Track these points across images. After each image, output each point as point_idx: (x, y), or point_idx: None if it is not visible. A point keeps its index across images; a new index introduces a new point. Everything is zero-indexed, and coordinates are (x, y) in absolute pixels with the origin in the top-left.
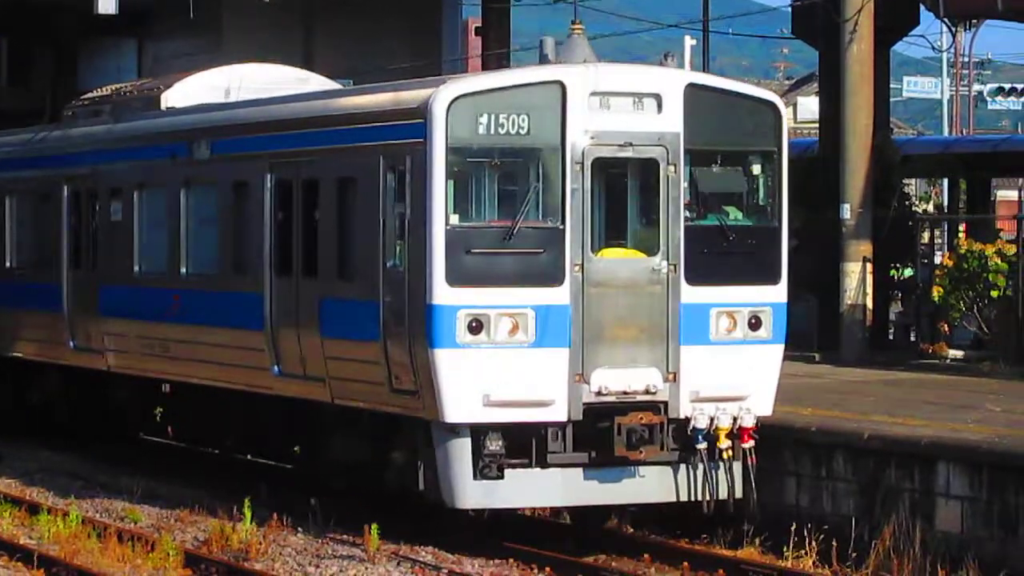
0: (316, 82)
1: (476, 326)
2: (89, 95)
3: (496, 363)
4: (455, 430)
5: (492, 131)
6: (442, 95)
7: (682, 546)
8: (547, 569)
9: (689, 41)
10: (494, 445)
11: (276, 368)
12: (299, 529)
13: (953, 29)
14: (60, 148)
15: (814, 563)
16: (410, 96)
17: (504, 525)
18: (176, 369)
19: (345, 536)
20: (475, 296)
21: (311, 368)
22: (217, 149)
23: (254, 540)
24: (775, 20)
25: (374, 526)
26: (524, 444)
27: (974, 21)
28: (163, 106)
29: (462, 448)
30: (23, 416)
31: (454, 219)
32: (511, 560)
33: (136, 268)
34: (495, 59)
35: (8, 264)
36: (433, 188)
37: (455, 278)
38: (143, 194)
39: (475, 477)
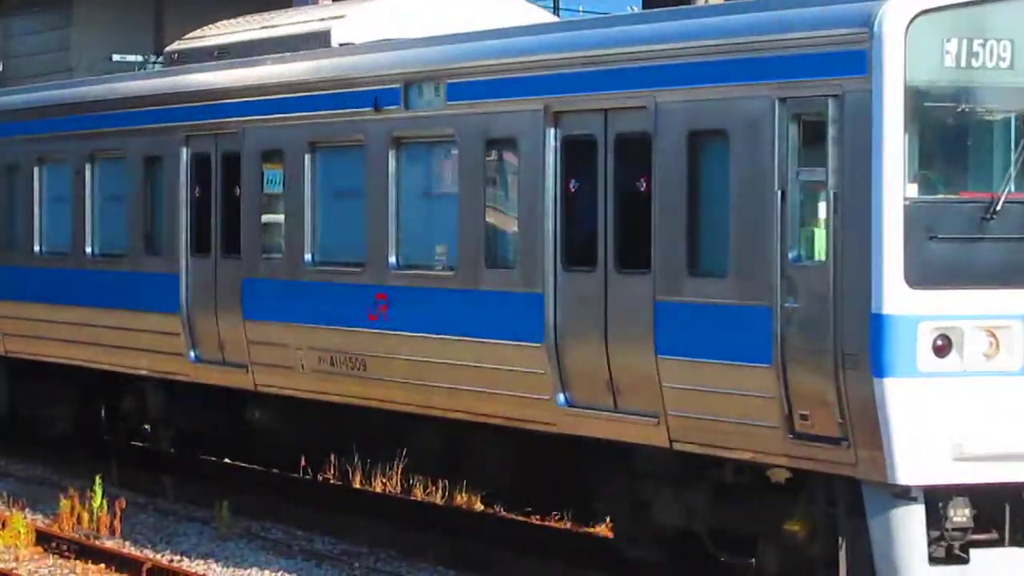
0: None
1: (944, 345)
2: (199, 33)
3: (971, 398)
4: (904, 494)
5: (963, 63)
6: (895, 10)
7: None
8: (397, 546)
9: (540, 15)
10: (960, 516)
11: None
12: (151, 507)
13: None
14: (175, 99)
15: None
16: (839, 12)
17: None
18: (382, 393)
19: (198, 514)
20: (943, 302)
21: (641, 401)
22: (460, 94)
23: (105, 518)
24: None
25: (225, 503)
26: (993, 513)
27: None
28: (335, 42)
29: (913, 520)
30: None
31: (912, 190)
32: (362, 536)
33: (308, 256)
34: None
35: (87, 250)
36: (883, 146)
37: (917, 276)
38: (319, 157)
39: (930, 562)
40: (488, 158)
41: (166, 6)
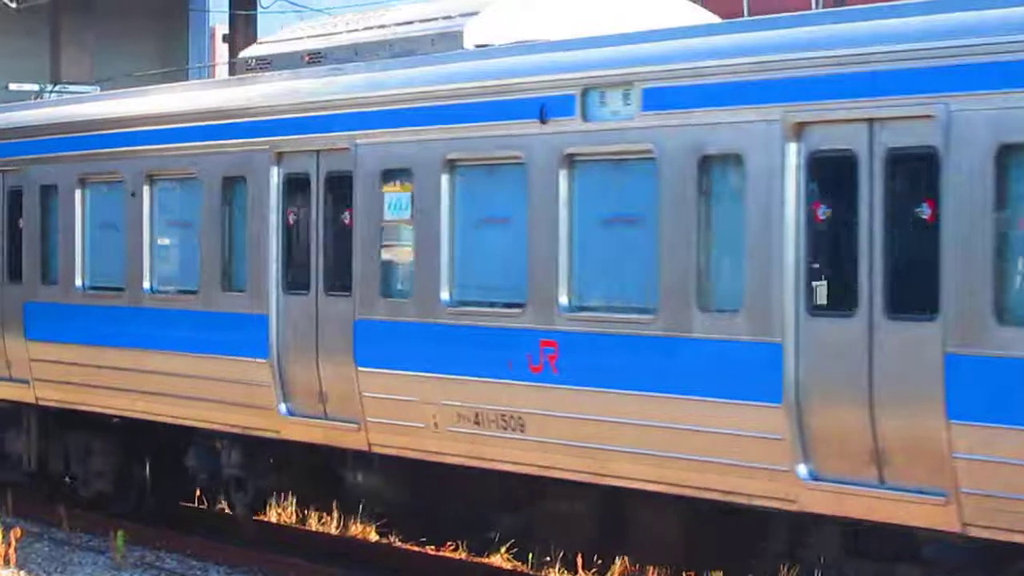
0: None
1: None
2: (275, 38)
3: None
4: None
5: None
6: None
7: None
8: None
9: None
10: None
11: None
12: (46, 536)
13: None
14: (262, 110)
15: None
16: None
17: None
18: (542, 457)
19: (92, 543)
20: None
21: (919, 475)
22: (661, 102)
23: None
24: None
25: (120, 532)
26: None
27: None
28: (469, 44)
29: None
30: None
31: None
32: (256, 567)
33: (446, 295)
34: (242, 67)
35: (146, 285)
36: None
37: None
38: (459, 177)
39: None
40: (702, 178)
41: (62, 36)
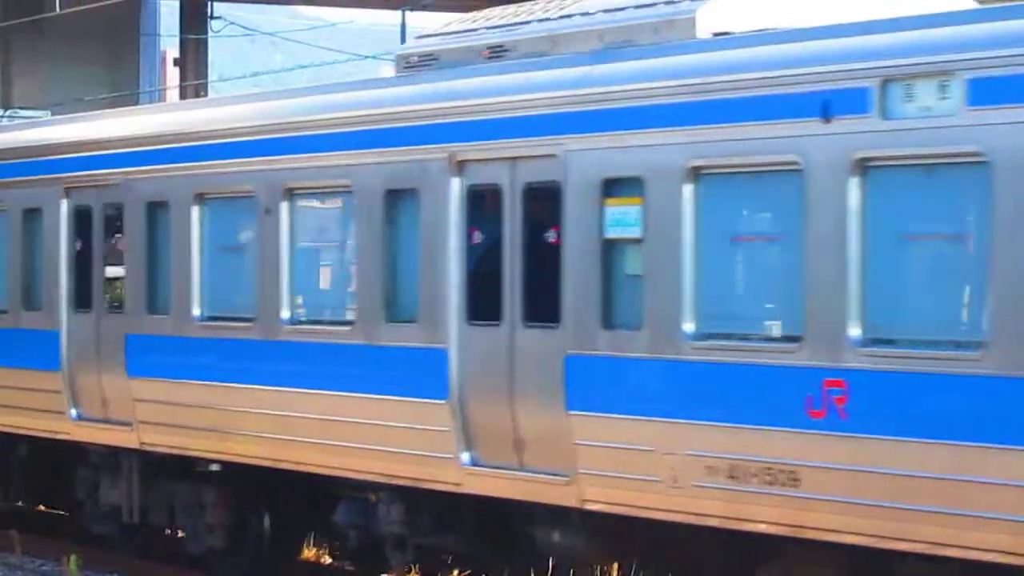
0: None
1: None
2: (443, 30)
3: None
4: None
5: None
6: None
7: None
8: None
9: (387, 71)
10: None
11: None
12: None
13: None
14: (436, 112)
15: None
16: None
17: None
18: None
19: (45, 568)
20: None
21: None
22: (998, 94)
23: None
24: None
25: (73, 557)
26: None
27: None
28: (704, 32)
29: None
30: None
31: None
32: None
33: (689, 326)
34: (193, 91)
35: (284, 315)
36: None
37: None
38: (706, 186)
39: None
40: None
41: (14, 62)
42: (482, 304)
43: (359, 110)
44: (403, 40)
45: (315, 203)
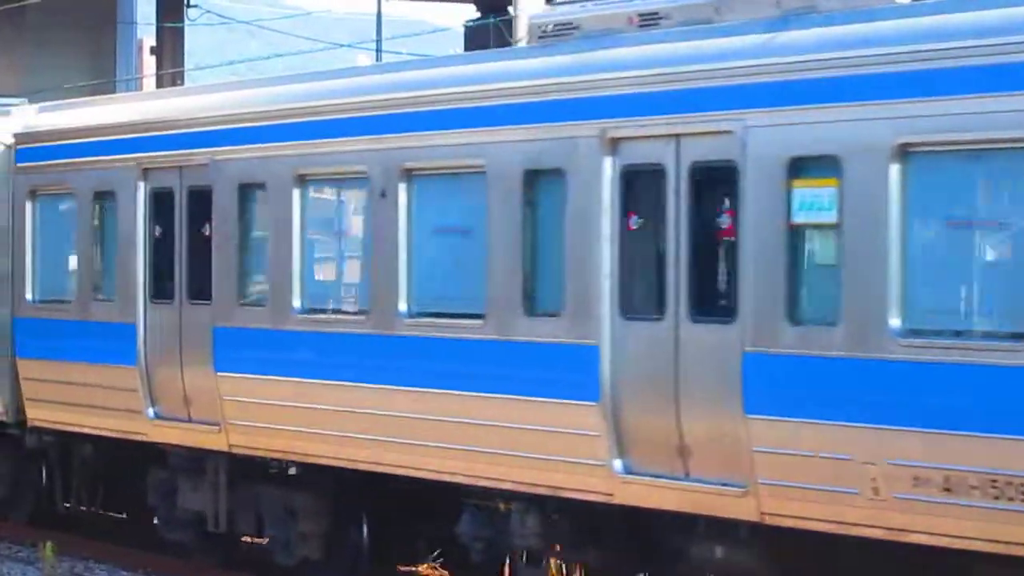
0: None
1: None
2: (575, 2)
3: None
4: None
5: None
6: None
7: None
8: None
9: (363, 60)
10: None
11: None
12: None
13: None
14: (589, 84)
15: None
16: None
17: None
18: None
19: (21, 554)
20: None
21: None
22: None
23: None
24: (448, 40)
25: (49, 544)
26: None
27: None
28: None
29: None
30: None
31: None
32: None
33: (896, 322)
34: (169, 79)
35: (402, 307)
36: None
37: None
38: (917, 166)
39: None
40: None
41: None
42: (640, 297)
43: (493, 83)
44: (379, 29)
45: (439, 185)
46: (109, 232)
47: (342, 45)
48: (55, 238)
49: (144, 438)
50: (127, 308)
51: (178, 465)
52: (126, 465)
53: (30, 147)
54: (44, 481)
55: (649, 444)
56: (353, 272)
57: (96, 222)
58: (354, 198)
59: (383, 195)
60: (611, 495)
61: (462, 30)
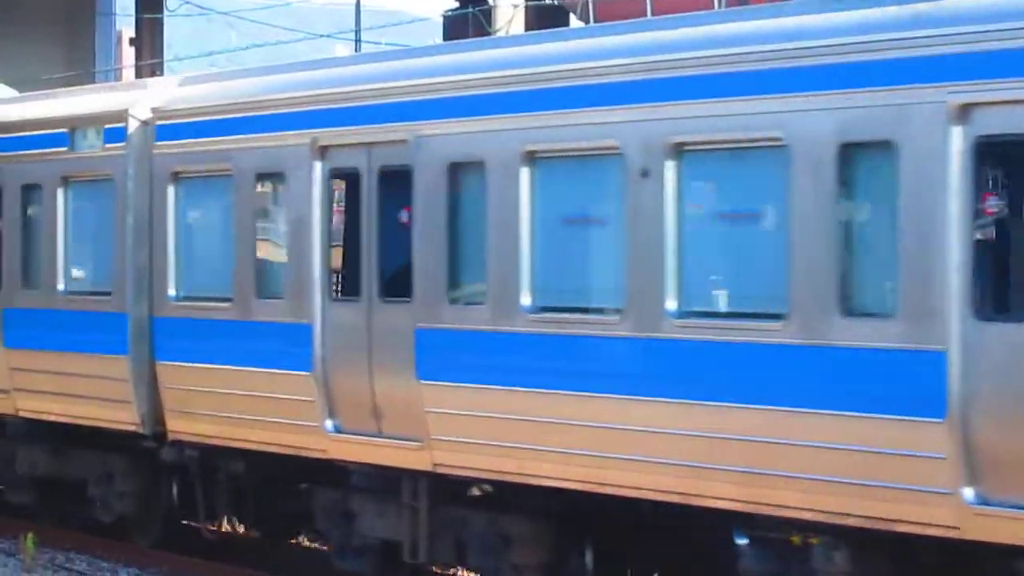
0: None
1: None
2: None
3: None
4: None
5: None
6: None
7: None
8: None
9: (342, 50)
10: None
11: None
12: None
13: None
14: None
15: None
16: None
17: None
18: None
19: (2, 546)
20: None
21: None
22: None
23: None
24: (427, 30)
25: (30, 535)
26: None
27: None
28: None
29: None
30: None
31: None
32: (166, 567)
33: None
34: (148, 70)
35: (673, 304)
36: None
37: None
38: None
39: None
40: None
41: None
42: (1003, 294)
43: (791, 42)
44: (358, 19)
45: (716, 162)
46: (275, 219)
47: (322, 35)
48: (205, 227)
49: (321, 455)
50: (299, 306)
51: (361, 485)
52: (281, 483)
53: (173, 124)
54: (175, 500)
55: (1016, 468)
56: (600, 264)
57: (259, 208)
58: (602, 178)
59: (644, 174)
60: (957, 528)
61: (441, 20)
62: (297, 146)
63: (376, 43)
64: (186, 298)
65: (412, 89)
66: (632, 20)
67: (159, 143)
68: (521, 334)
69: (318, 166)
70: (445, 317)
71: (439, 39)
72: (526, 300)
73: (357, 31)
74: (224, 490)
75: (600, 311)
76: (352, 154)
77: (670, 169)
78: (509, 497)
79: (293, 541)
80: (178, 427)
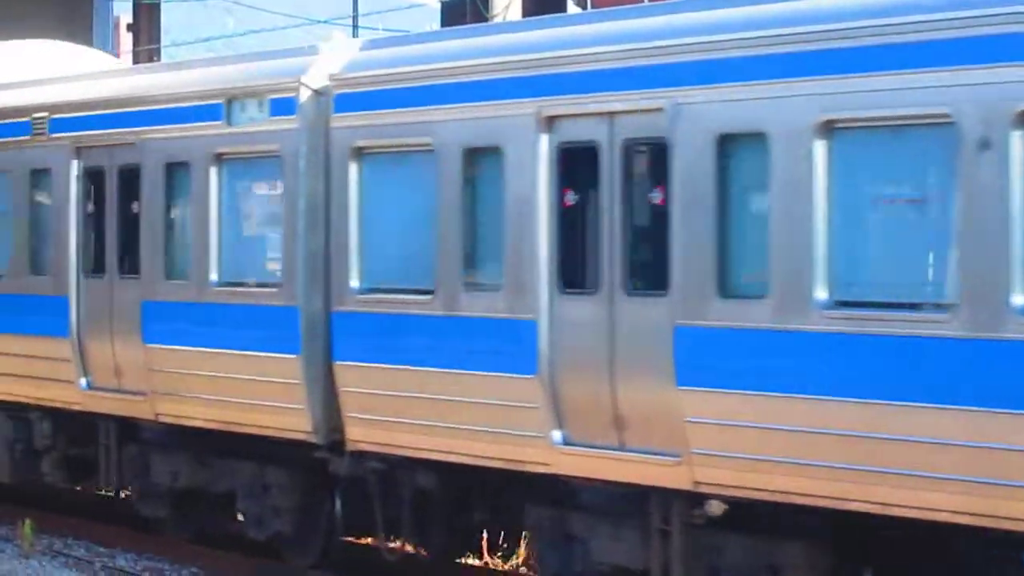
0: None
1: None
2: None
3: None
4: None
5: None
6: None
7: None
8: (200, 561)
9: (339, 36)
10: None
11: None
12: None
13: None
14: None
15: None
16: None
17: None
18: None
19: (1, 532)
20: None
21: None
22: None
23: None
24: (425, 15)
25: (28, 521)
26: None
27: None
28: None
29: None
30: None
31: None
32: (163, 555)
33: None
34: (146, 55)
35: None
36: None
37: None
38: None
39: None
40: None
41: None
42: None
43: None
44: (355, 4)
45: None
46: (487, 199)
47: (319, 21)
48: (396, 209)
49: (547, 469)
50: (520, 299)
51: (593, 505)
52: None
53: (356, 92)
54: (339, 515)
55: None
56: (920, 252)
57: (468, 187)
58: (922, 151)
59: (985, 146)
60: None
61: (438, 6)
62: (516, 117)
63: (374, 28)
64: (372, 290)
65: (672, 50)
66: None
67: (338, 115)
68: (816, 333)
69: (543, 139)
70: (712, 313)
71: (436, 25)
72: (821, 294)
73: (354, 17)
74: (408, 505)
75: (917, 307)
76: (585, 125)
77: (1018, 141)
78: (802, 520)
79: (460, 561)
80: (362, 436)
